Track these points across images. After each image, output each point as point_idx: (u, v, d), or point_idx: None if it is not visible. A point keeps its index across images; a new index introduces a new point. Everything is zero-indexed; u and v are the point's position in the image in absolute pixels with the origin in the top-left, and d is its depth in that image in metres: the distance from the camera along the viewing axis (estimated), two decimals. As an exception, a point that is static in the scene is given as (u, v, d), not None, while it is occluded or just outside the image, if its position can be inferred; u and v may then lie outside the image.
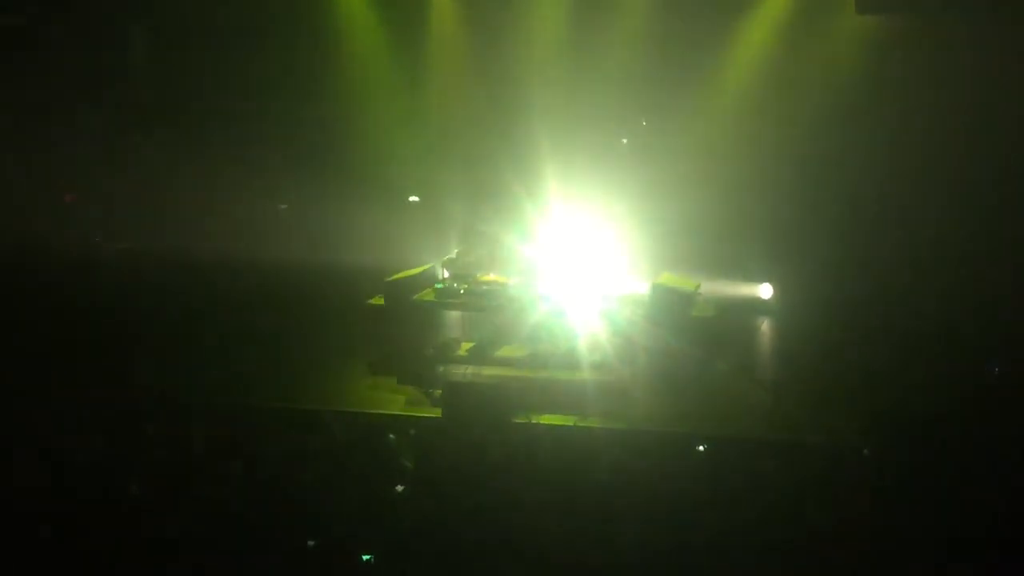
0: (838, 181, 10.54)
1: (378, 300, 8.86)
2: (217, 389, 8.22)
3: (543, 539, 5.15)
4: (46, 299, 9.91)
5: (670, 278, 8.57)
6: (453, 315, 9.11)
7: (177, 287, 10.68)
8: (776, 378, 8.80)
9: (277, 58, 11.60)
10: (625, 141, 11.50)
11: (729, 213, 10.54)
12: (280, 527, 5.35)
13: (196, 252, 11.07)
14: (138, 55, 12.26)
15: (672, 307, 8.28)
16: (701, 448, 6.73)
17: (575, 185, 9.17)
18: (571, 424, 7.54)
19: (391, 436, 6.44)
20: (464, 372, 8.37)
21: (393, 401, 8.20)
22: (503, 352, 8.58)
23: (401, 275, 8.95)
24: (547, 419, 7.60)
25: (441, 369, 8.47)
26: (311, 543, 5.26)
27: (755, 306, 10.60)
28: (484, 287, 8.57)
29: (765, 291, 10.69)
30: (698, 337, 8.26)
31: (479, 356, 8.57)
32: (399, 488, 5.87)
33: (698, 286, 8.60)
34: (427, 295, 8.75)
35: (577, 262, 8.65)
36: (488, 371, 8.36)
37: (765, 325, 10.39)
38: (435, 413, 7.68)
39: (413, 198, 11.72)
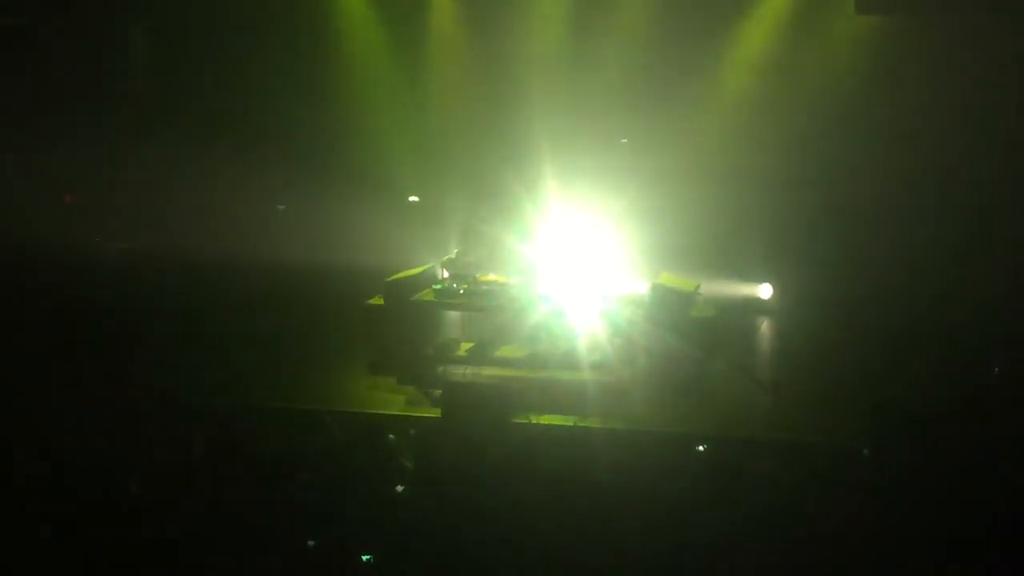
0: (837, 181, 10.56)
1: (378, 300, 8.84)
2: (217, 389, 8.21)
3: (543, 539, 5.14)
4: (46, 299, 9.92)
5: (670, 278, 8.56)
6: (453, 315, 9.07)
7: (177, 287, 10.70)
8: (776, 378, 8.80)
9: (277, 58, 11.63)
10: (625, 141, 11.50)
11: (728, 213, 10.55)
12: (280, 527, 5.33)
13: (196, 252, 11.08)
14: (138, 55, 12.27)
15: (672, 307, 8.26)
16: (701, 448, 6.71)
17: (575, 185, 9.17)
18: (571, 424, 7.53)
19: (391, 436, 6.42)
20: (464, 372, 8.35)
21: (393, 401, 8.20)
22: (503, 352, 8.55)
23: (401, 275, 8.93)
24: (547, 419, 7.59)
25: (441, 369, 8.45)
26: (311, 543, 5.25)
27: (755, 306, 10.61)
28: (484, 287, 8.55)
29: (765, 291, 10.70)
30: (698, 337, 8.24)
31: (479, 356, 8.55)
32: (399, 488, 5.86)
33: (698, 286, 8.59)
34: (427, 295, 8.73)
35: (577, 262, 8.64)
36: (488, 371, 8.33)
37: (765, 325, 10.40)
38: (435, 413, 7.66)
39: (413, 198, 11.72)
